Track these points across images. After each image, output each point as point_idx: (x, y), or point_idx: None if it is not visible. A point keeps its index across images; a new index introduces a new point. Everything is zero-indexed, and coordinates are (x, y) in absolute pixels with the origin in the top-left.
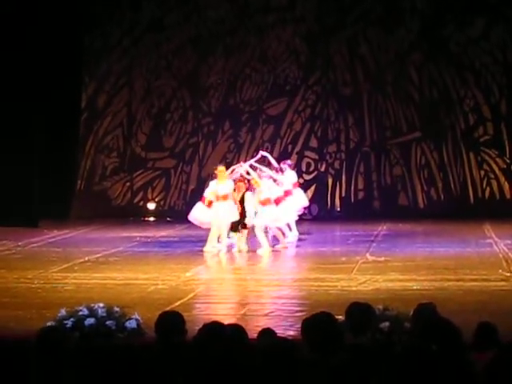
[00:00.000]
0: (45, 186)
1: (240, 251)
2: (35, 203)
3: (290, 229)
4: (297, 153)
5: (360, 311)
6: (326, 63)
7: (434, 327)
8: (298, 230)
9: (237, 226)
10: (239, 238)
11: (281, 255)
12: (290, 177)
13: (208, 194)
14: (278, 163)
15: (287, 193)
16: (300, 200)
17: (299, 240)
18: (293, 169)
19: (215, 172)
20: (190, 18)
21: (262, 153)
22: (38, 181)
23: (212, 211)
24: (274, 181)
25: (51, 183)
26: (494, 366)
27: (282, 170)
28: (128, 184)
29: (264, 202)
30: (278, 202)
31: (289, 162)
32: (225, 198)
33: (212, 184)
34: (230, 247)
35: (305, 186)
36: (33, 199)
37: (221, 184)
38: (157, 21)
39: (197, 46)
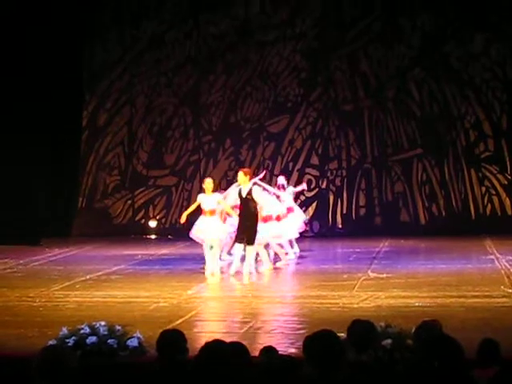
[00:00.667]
0: (46, 204)
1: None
2: (37, 221)
3: (292, 246)
4: (298, 170)
5: (362, 328)
6: (326, 80)
7: (436, 344)
8: (299, 247)
9: (242, 237)
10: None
11: (282, 272)
12: (289, 193)
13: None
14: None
15: (289, 210)
16: (300, 216)
17: (300, 257)
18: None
19: (203, 186)
20: (191, 35)
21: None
22: (40, 199)
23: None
24: (277, 197)
25: (53, 201)
26: (496, 382)
27: (283, 187)
28: (129, 202)
29: (265, 219)
30: (279, 218)
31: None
32: (212, 213)
33: (199, 197)
34: (231, 264)
35: (306, 203)
36: (34, 217)
37: (208, 197)
38: (157, 38)
39: (197, 63)
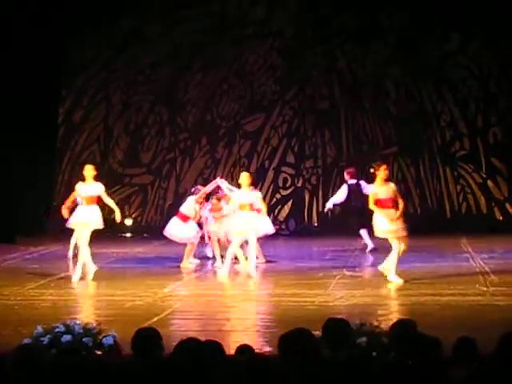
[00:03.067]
0: (22, 202)
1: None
2: (12, 219)
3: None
4: (274, 168)
5: (337, 327)
6: (302, 78)
7: (412, 342)
8: (274, 246)
9: None
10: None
11: (258, 271)
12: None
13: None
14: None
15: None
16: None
17: (276, 255)
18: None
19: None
20: (168, 33)
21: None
22: (15, 197)
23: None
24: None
25: (28, 199)
26: (471, 380)
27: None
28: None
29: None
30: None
31: None
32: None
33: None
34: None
35: (282, 202)
36: (10, 215)
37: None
38: (134, 35)
39: (174, 60)
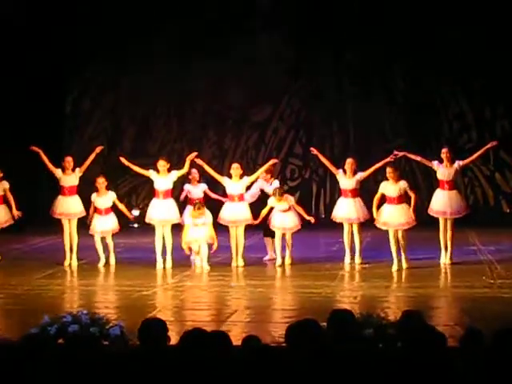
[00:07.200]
0: (30, 193)
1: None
2: (20, 209)
3: None
4: (281, 159)
5: (341, 318)
6: (311, 68)
7: (420, 334)
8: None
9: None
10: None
11: (265, 262)
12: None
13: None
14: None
15: None
16: None
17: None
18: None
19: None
20: (176, 22)
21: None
22: (22, 187)
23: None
24: None
25: (36, 190)
26: (477, 371)
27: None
28: (112, 190)
29: None
30: None
31: None
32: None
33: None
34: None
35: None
36: (18, 206)
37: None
38: (142, 25)
39: (181, 50)
